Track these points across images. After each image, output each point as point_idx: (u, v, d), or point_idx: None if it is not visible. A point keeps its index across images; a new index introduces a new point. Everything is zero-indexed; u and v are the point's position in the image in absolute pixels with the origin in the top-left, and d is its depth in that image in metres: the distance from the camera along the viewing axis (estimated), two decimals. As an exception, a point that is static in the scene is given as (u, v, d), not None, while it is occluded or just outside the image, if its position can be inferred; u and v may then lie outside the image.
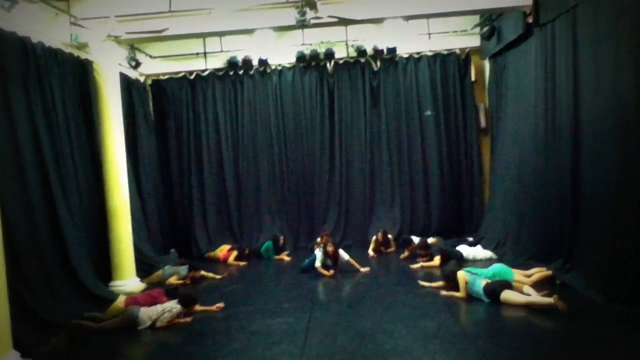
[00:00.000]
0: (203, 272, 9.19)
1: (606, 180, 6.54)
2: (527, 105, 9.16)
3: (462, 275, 7.02)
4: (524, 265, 7.94)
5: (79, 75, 8.66)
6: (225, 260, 10.53)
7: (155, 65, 11.51)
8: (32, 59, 7.39)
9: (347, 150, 11.95)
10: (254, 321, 6.58)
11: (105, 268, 8.57)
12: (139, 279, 8.88)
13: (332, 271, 8.93)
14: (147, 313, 6.66)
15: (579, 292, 6.73)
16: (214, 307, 7.21)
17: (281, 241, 10.69)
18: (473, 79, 11.76)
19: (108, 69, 8.68)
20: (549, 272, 7.29)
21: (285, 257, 10.62)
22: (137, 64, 10.35)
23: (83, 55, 8.77)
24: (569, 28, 7.48)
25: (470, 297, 6.89)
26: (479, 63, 11.78)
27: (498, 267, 7.27)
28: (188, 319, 6.79)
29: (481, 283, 6.78)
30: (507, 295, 6.47)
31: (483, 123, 11.76)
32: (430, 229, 11.54)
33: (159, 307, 6.78)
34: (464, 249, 9.33)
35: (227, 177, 11.97)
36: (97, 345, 6.14)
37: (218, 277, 9.17)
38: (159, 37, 8.68)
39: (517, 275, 7.11)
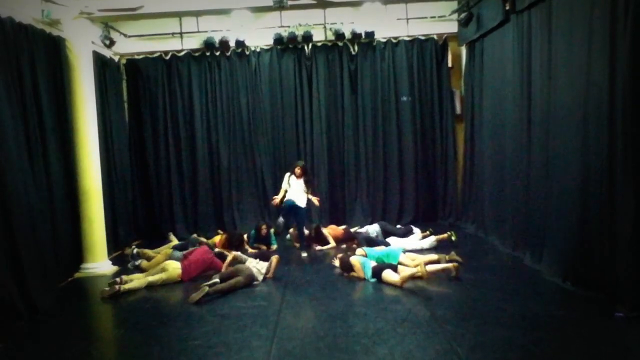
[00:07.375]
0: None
1: (573, 170, 6.62)
2: (503, 93, 9.18)
3: (355, 260, 7.62)
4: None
5: (51, 53, 8.39)
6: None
7: (130, 44, 11.28)
8: (1, 34, 7.11)
9: (323, 134, 11.87)
10: (225, 304, 6.56)
11: (77, 250, 8.47)
12: (110, 262, 8.82)
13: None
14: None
15: (549, 279, 6.88)
16: None
17: (263, 230, 10.06)
18: (450, 65, 11.77)
19: (81, 47, 8.50)
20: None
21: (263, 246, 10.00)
22: (112, 43, 10.13)
23: (55, 32, 8.53)
24: (545, 15, 7.48)
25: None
26: (456, 49, 11.79)
27: (386, 251, 8.01)
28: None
29: (370, 265, 7.43)
30: (385, 275, 7.13)
31: (458, 109, 11.81)
32: (404, 215, 11.64)
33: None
34: (392, 240, 9.27)
35: (203, 160, 11.81)
36: (64, 325, 6.11)
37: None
38: (134, 15, 8.54)
39: (404, 259, 7.69)
